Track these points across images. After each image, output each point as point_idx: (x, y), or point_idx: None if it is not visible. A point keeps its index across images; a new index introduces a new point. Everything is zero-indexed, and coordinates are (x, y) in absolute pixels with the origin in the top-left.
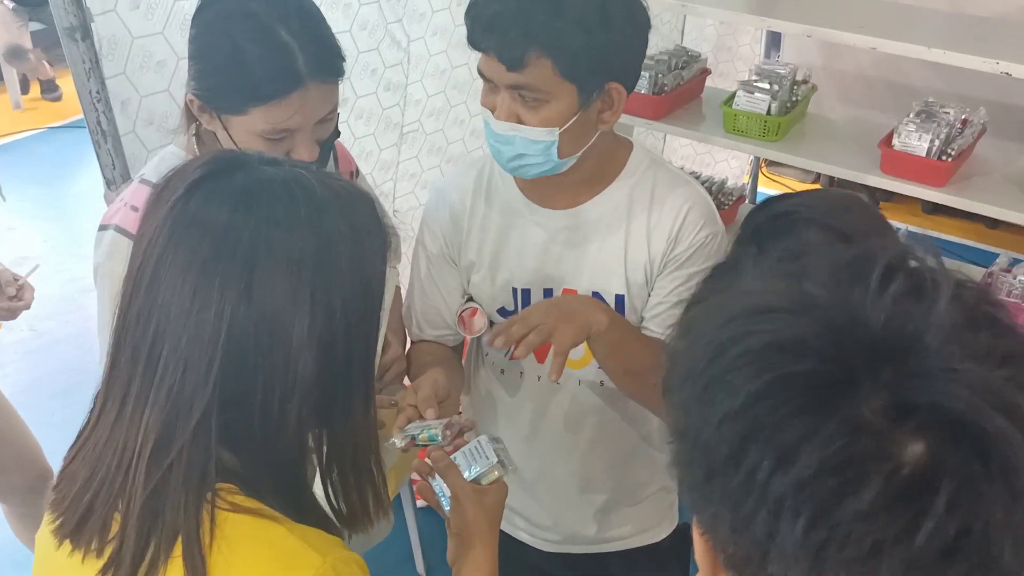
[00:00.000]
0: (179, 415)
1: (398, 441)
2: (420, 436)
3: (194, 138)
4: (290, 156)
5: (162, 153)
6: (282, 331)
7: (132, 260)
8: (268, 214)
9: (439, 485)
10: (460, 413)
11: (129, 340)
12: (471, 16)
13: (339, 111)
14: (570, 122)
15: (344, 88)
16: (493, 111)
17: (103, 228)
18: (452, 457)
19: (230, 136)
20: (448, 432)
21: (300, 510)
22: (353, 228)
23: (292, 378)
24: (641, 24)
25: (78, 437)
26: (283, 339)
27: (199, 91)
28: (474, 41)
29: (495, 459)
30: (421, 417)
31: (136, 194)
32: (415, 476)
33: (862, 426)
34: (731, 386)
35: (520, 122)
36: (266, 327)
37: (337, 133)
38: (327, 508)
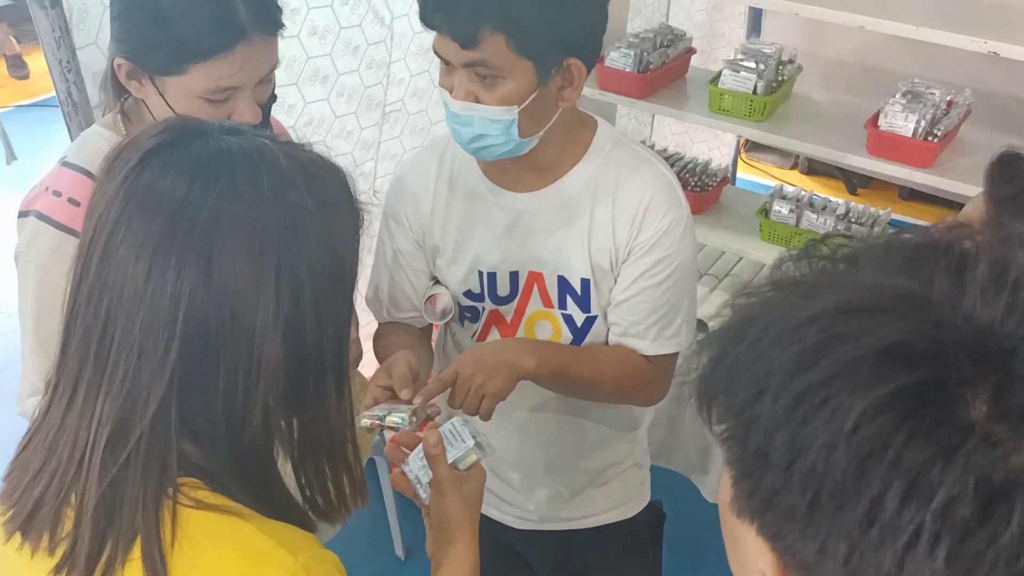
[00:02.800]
0: (135, 404)
1: (365, 421)
2: (387, 419)
3: (120, 114)
4: (232, 118)
5: (84, 134)
6: (245, 313)
7: (83, 235)
8: (229, 187)
9: (412, 472)
10: (434, 406)
11: (80, 322)
12: None
13: (321, 88)
14: (529, 100)
15: (325, 65)
16: (451, 92)
17: (23, 215)
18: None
19: (166, 101)
20: (414, 419)
21: (271, 504)
22: (321, 202)
23: (257, 364)
24: None
25: (30, 426)
26: (246, 322)
27: (129, 52)
28: (426, 19)
29: (472, 442)
30: (392, 398)
31: (58, 178)
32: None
33: (996, 442)
34: (836, 402)
35: (478, 102)
36: (227, 309)
37: (274, 97)
38: (300, 500)
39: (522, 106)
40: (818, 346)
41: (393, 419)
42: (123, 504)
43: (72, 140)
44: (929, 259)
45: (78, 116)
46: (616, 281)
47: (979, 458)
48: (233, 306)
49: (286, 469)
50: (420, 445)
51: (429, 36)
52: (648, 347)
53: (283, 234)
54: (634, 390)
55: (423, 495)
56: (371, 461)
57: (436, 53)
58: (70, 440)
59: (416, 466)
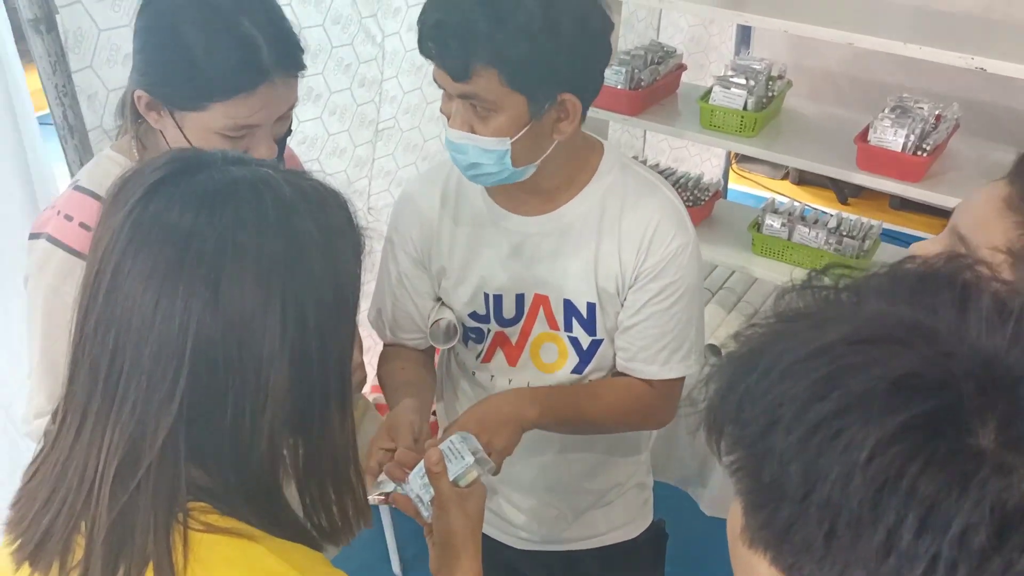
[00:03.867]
0: (145, 433)
1: (372, 498)
2: (394, 492)
3: (134, 140)
4: (248, 154)
5: (97, 158)
6: (252, 341)
7: (88, 267)
8: (234, 217)
9: (412, 491)
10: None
11: (87, 353)
12: (419, 23)
13: (313, 107)
14: (522, 132)
15: (317, 83)
16: (449, 119)
17: (34, 236)
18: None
19: (184, 135)
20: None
21: (278, 524)
22: (325, 230)
23: (264, 390)
24: (595, 31)
25: (37, 454)
26: (253, 350)
27: (149, 86)
28: (423, 49)
29: (471, 459)
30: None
31: (69, 202)
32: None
33: (1010, 469)
34: (850, 433)
35: (473, 131)
36: (235, 337)
37: (290, 131)
38: (305, 522)
39: (514, 138)
40: (830, 377)
41: (399, 493)
42: (134, 531)
43: (68, 163)
44: (933, 290)
45: (74, 139)
46: (623, 306)
47: (993, 486)
48: (240, 334)
49: (291, 492)
50: (420, 464)
51: (420, 54)
52: (657, 372)
53: (288, 262)
54: (642, 419)
55: (425, 513)
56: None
57: (435, 80)
58: (79, 469)
59: (417, 485)
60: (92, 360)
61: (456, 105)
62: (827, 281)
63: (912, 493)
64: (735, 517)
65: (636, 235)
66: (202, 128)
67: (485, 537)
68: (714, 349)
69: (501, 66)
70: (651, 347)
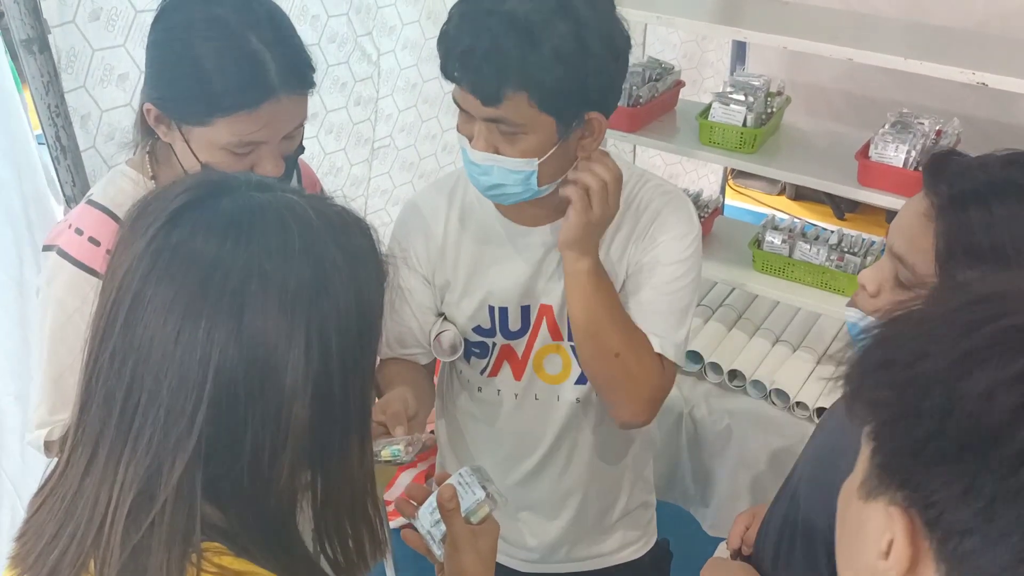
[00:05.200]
0: (161, 469)
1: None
2: (383, 452)
3: (148, 155)
4: (253, 171)
5: (111, 173)
6: (275, 375)
7: (103, 294)
8: (260, 246)
9: (423, 528)
10: (431, 432)
11: (102, 384)
12: (444, 47)
13: (309, 126)
14: (549, 153)
15: (314, 102)
16: (470, 139)
17: (47, 248)
18: (434, 494)
19: (190, 149)
20: (410, 448)
21: (292, 565)
22: (350, 258)
23: (286, 425)
24: (620, 49)
25: (44, 484)
26: (276, 383)
27: (158, 100)
28: (447, 73)
29: (483, 494)
30: (384, 434)
31: (82, 216)
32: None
33: None
34: (999, 359)
35: (498, 152)
36: (257, 370)
37: (301, 149)
38: (319, 557)
39: (543, 159)
40: (980, 319)
41: (388, 452)
42: (146, 571)
43: (60, 183)
44: None
45: (67, 160)
46: (623, 288)
47: None
48: (263, 368)
49: (304, 527)
50: (429, 498)
51: (415, 72)
52: (658, 343)
53: (314, 292)
54: (634, 374)
55: (437, 552)
56: None
57: (455, 101)
58: (90, 504)
59: (428, 521)
60: (107, 391)
61: (480, 127)
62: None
63: None
64: (855, 476)
65: (643, 226)
66: (208, 143)
67: None
68: (715, 367)
69: (532, 90)
70: (648, 324)
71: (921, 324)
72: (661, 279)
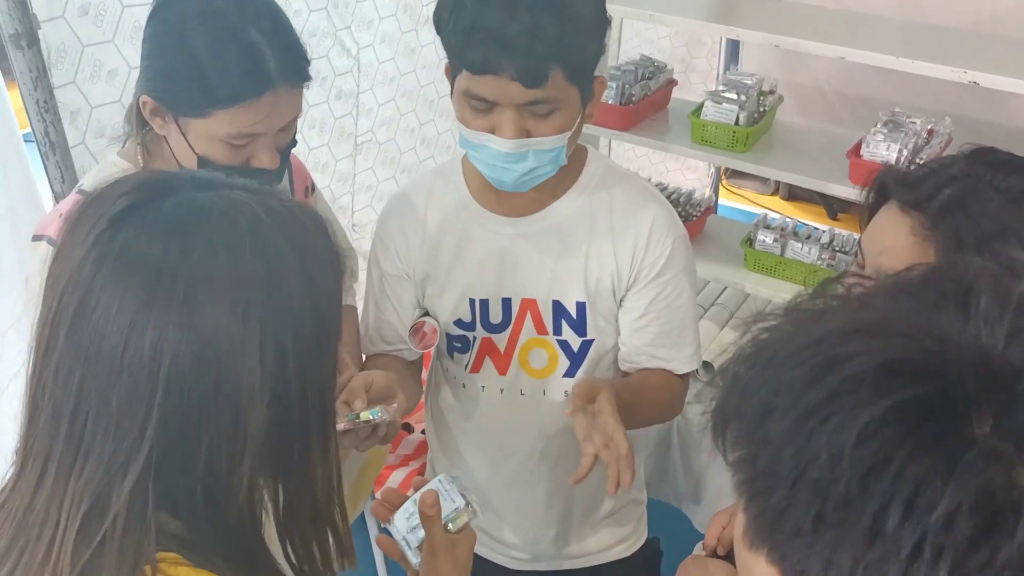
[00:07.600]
0: (111, 483)
1: (340, 425)
2: (362, 415)
3: (139, 146)
4: (250, 163)
5: (102, 163)
6: (229, 379)
7: (45, 304)
8: (207, 246)
9: (399, 533)
10: (422, 433)
11: (48, 397)
12: (467, 35)
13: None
14: (576, 123)
15: None
16: (494, 131)
17: (37, 238)
18: (412, 499)
19: (187, 141)
20: (388, 411)
21: (255, 573)
22: (302, 255)
23: (243, 434)
24: (603, 9)
25: None
26: (230, 388)
27: (155, 92)
28: (483, 65)
29: (463, 502)
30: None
31: (72, 206)
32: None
33: (998, 456)
34: (840, 416)
35: (528, 135)
36: (210, 377)
37: (294, 142)
38: (285, 566)
39: (572, 131)
40: (824, 364)
41: (367, 415)
42: None
43: (49, 180)
44: (935, 286)
45: (55, 156)
46: (622, 305)
47: (981, 471)
48: (216, 372)
49: (270, 535)
50: (405, 504)
51: (393, 66)
52: (678, 364)
53: (265, 291)
54: (671, 410)
55: (413, 560)
56: (361, 516)
57: (472, 96)
58: (39, 519)
59: (403, 527)
60: (54, 406)
61: (510, 115)
62: (839, 288)
63: (899, 476)
64: (740, 522)
65: (631, 231)
66: (205, 135)
67: (476, 557)
68: (707, 366)
69: (567, 63)
70: (655, 343)
71: (769, 368)
72: (664, 302)
